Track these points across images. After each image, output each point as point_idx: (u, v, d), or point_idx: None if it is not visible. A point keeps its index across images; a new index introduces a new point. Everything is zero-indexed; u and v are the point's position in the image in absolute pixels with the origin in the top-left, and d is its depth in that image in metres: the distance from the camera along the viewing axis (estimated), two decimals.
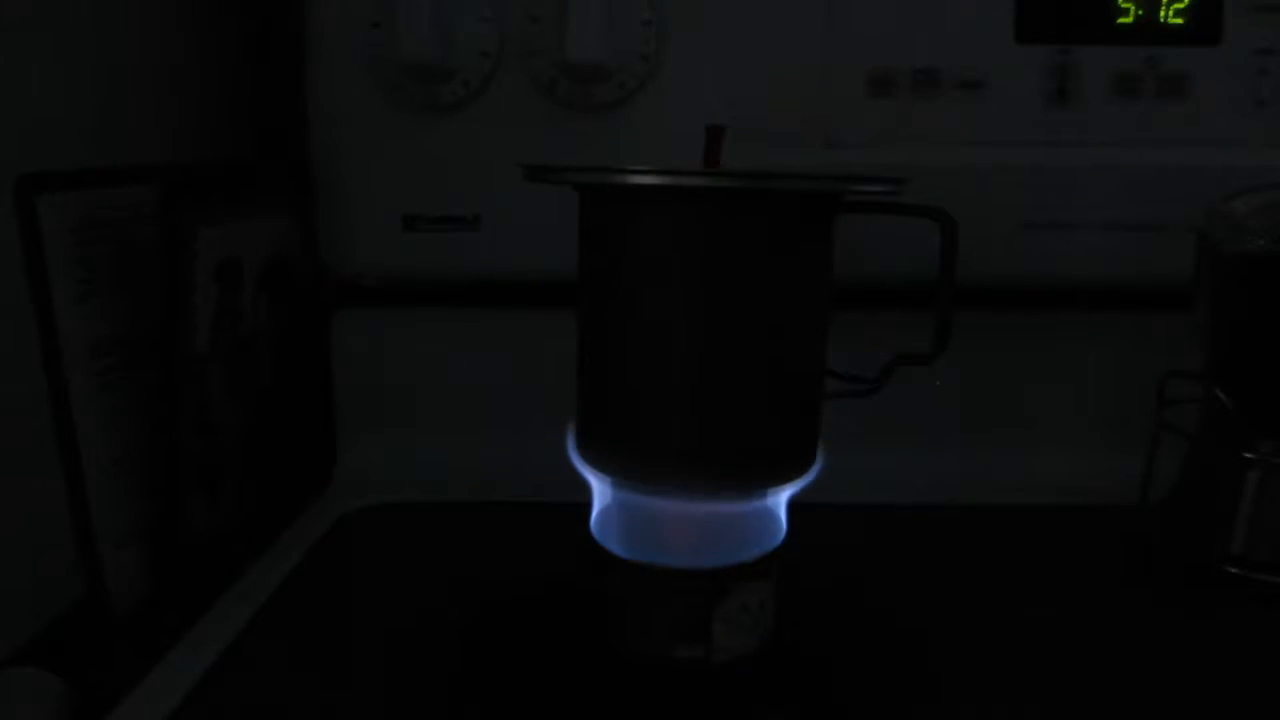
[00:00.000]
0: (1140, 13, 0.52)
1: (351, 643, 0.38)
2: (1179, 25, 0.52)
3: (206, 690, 0.34)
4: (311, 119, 0.54)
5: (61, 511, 0.38)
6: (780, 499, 0.36)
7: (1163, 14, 0.52)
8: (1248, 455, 0.42)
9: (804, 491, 0.36)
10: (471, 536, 0.48)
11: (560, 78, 0.52)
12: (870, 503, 0.48)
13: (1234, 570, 0.42)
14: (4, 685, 0.34)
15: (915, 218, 0.33)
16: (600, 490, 0.37)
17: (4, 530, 0.40)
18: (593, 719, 0.34)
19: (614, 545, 0.35)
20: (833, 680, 0.36)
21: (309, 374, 0.57)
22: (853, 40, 0.52)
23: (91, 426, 0.38)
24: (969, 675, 0.36)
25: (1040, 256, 0.53)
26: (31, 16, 0.42)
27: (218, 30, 0.60)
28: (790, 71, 0.53)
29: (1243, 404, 0.42)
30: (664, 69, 0.52)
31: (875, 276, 0.49)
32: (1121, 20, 0.52)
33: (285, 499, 0.52)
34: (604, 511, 0.36)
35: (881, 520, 0.48)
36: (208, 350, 0.44)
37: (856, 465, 0.39)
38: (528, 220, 0.52)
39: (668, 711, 0.34)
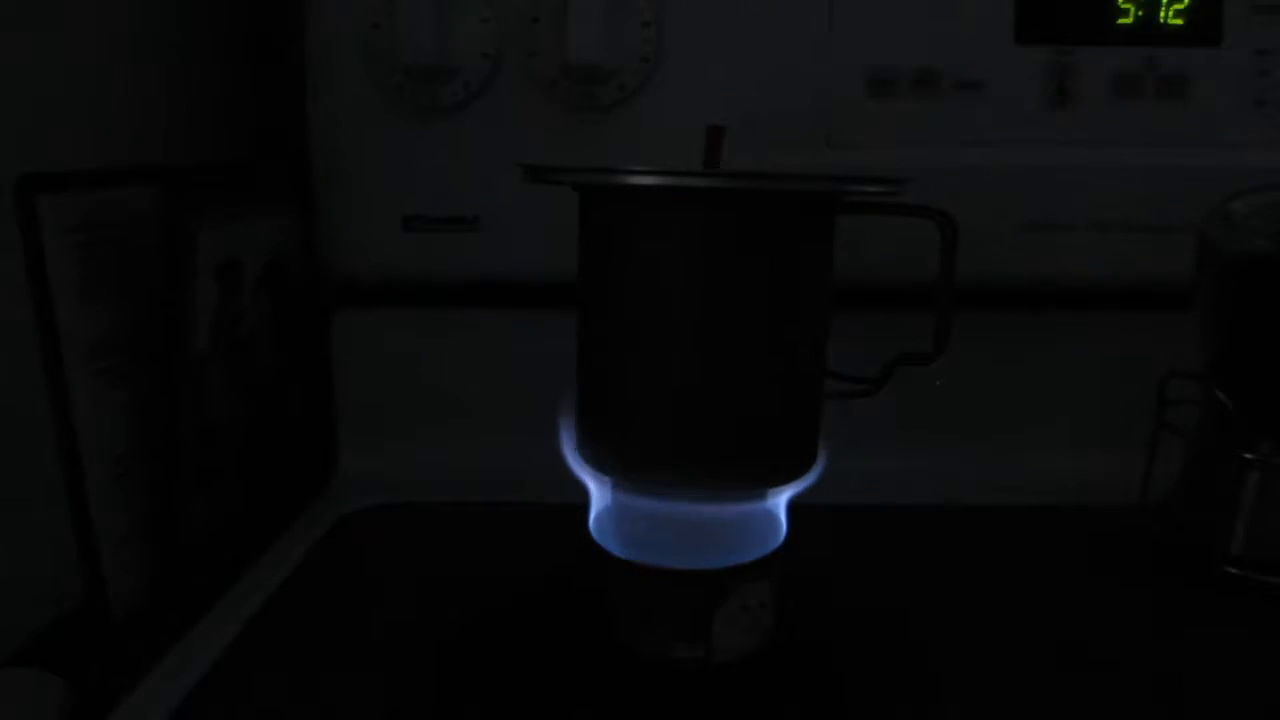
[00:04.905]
0: (1140, 13, 0.52)
1: (351, 643, 0.38)
2: (1179, 26, 0.52)
3: (206, 690, 0.34)
4: (311, 119, 0.54)
5: (61, 511, 0.38)
6: (780, 499, 0.36)
7: (1163, 14, 0.52)
8: (1248, 455, 0.42)
9: (804, 491, 0.36)
10: (471, 537, 0.48)
11: (560, 78, 0.52)
12: (870, 503, 0.48)
13: (1234, 570, 0.42)
14: (4, 685, 0.34)
15: (915, 218, 0.33)
16: (599, 491, 0.37)
17: (4, 530, 0.40)
18: (593, 719, 0.34)
19: (613, 546, 0.35)
20: (833, 680, 0.36)
21: (309, 374, 0.57)
22: (853, 40, 0.52)
23: (91, 426, 0.38)
24: (969, 675, 0.36)
25: (1040, 256, 0.53)
26: (32, 16, 0.42)
27: (218, 30, 0.60)
28: (790, 72, 0.53)
29: (1243, 404, 0.42)
30: (664, 70, 0.52)
31: (875, 276, 0.49)
32: (1121, 21, 0.52)
33: (285, 499, 0.52)
34: (603, 512, 0.36)
35: (881, 520, 0.48)
36: (208, 350, 0.44)
37: (856, 465, 0.39)
38: (528, 221, 0.52)
39: (668, 711, 0.34)
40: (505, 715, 0.34)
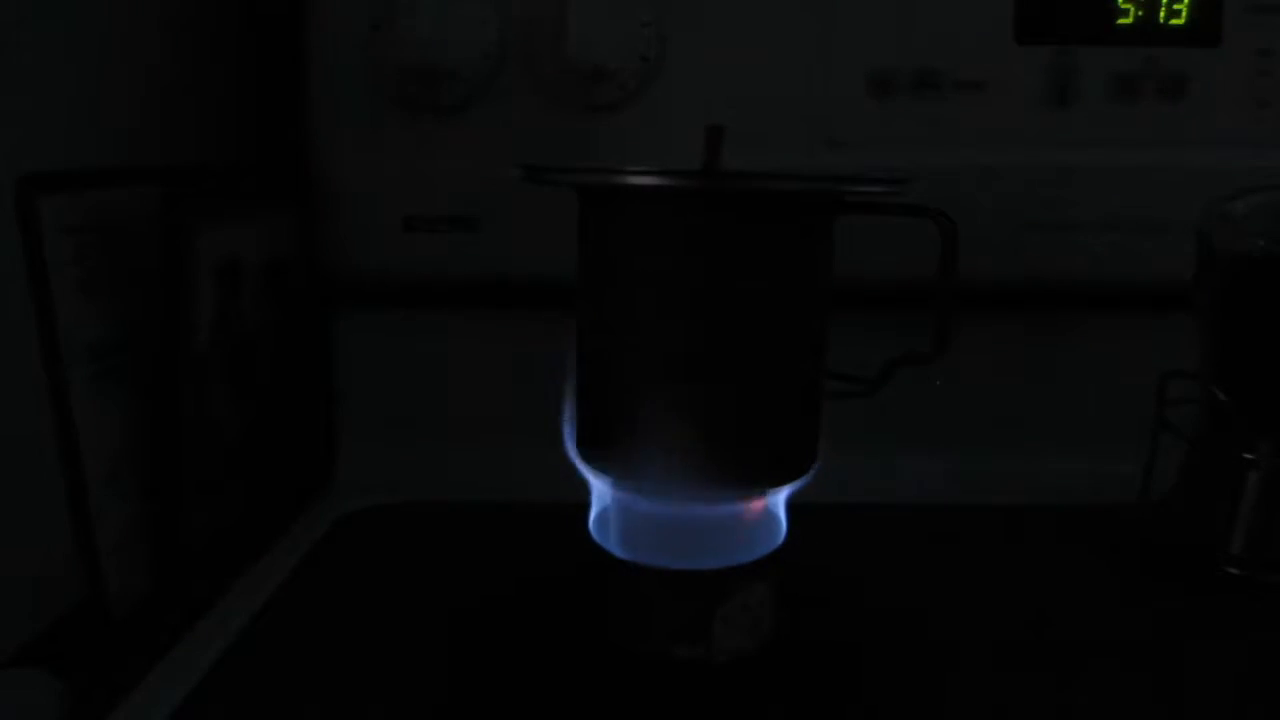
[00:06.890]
0: (1140, 13, 0.52)
1: (351, 643, 0.38)
2: (1179, 26, 0.52)
3: (206, 690, 0.34)
4: (311, 119, 0.54)
5: (61, 511, 0.38)
6: (780, 499, 0.36)
7: (1162, 14, 0.52)
8: (1248, 455, 0.42)
9: (804, 491, 0.36)
10: (471, 536, 0.48)
11: (560, 78, 0.52)
12: (870, 503, 0.48)
13: (1234, 570, 0.42)
14: (4, 685, 0.34)
15: (915, 218, 0.33)
16: (599, 491, 0.37)
17: (4, 530, 0.40)
18: (593, 719, 0.34)
19: (613, 546, 0.35)
20: (834, 680, 0.36)
21: (309, 374, 0.57)
22: (853, 40, 0.52)
23: (91, 426, 0.38)
24: (969, 675, 0.36)
25: (1040, 256, 0.53)
26: (33, 18, 0.42)
27: (218, 30, 0.60)
28: (790, 71, 0.53)
29: (1243, 404, 0.42)
30: (664, 70, 0.52)
31: (875, 276, 0.49)
32: (1121, 21, 0.52)
33: (285, 499, 0.52)
34: (603, 512, 0.36)
35: (881, 520, 0.48)
36: (208, 350, 0.44)
37: (856, 465, 0.39)
38: (527, 221, 0.52)
39: (668, 711, 0.34)
40: (505, 715, 0.34)
